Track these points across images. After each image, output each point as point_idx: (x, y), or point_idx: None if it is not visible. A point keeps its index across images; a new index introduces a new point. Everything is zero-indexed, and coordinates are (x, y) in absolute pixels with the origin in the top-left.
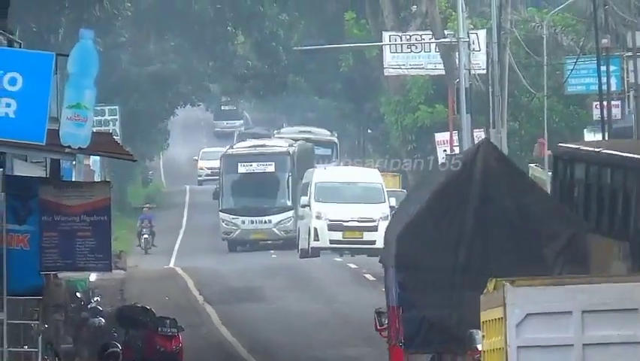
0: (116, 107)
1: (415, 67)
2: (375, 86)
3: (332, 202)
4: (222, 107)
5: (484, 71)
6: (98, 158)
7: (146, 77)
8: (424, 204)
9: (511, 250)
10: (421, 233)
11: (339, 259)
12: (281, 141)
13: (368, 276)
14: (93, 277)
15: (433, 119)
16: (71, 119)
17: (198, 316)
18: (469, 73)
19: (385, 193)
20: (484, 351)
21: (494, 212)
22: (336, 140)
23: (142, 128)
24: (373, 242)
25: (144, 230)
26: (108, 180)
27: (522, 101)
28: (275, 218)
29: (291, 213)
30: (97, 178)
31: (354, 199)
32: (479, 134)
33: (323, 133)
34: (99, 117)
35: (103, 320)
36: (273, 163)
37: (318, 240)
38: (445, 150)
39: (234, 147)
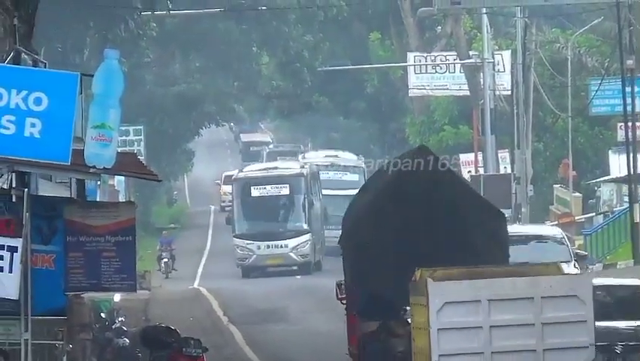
0: (141, 127)
1: (439, 87)
2: (399, 107)
3: None
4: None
5: (509, 92)
6: (122, 178)
7: (170, 97)
8: (374, 196)
9: (446, 238)
10: (372, 220)
11: None
12: (293, 163)
13: None
14: (117, 297)
15: (457, 140)
16: (96, 140)
17: (222, 336)
18: (494, 94)
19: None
20: (413, 328)
21: (432, 205)
22: (363, 164)
23: (166, 149)
24: None
25: (164, 254)
26: (133, 200)
27: (547, 122)
28: (291, 242)
29: (307, 236)
30: (122, 198)
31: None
32: (504, 155)
33: (350, 158)
34: (124, 137)
35: (127, 341)
36: (288, 185)
37: None
38: (469, 171)
39: (245, 170)
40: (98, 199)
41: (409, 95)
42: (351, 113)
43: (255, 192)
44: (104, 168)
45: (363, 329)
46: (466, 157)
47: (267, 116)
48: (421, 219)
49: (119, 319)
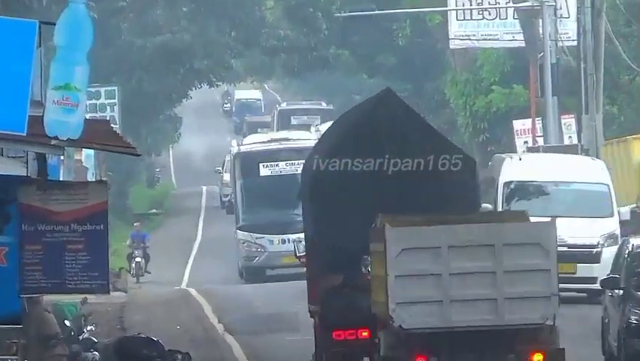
0: (115, 88)
1: (487, 38)
2: (438, 63)
3: (531, 215)
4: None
5: (575, 43)
6: (92, 152)
7: (152, 51)
8: (336, 145)
9: (412, 187)
10: (335, 170)
11: None
12: (307, 133)
13: None
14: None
15: (510, 102)
16: (59, 104)
17: (217, 349)
18: (556, 45)
19: (614, 200)
20: (372, 276)
21: (397, 154)
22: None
23: (147, 115)
24: (593, 280)
25: (136, 252)
26: (105, 179)
27: (622, 80)
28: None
29: None
30: (91, 178)
31: (565, 210)
32: (568, 122)
33: (307, 140)
34: (94, 101)
35: (98, 355)
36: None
37: None
38: (525, 142)
39: (247, 141)
40: (61, 178)
41: (450, 47)
42: (378, 71)
43: (264, 170)
44: (69, 139)
45: (325, 283)
46: (520, 124)
47: (272, 75)
48: (386, 168)
49: (88, 328)
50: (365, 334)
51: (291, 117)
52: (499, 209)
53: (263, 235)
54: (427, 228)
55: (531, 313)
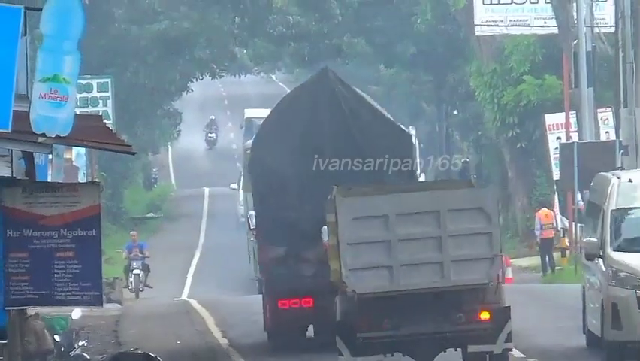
0: (109, 80)
1: (517, 24)
2: (462, 51)
3: None
4: None
5: (612, 29)
6: (83, 151)
7: (148, 39)
8: (279, 122)
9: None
10: (273, 142)
11: None
12: None
13: None
14: (77, 313)
15: (541, 94)
16: (46, 97)
17: None
18: (592, 31)
19: None
20: (328, 244)
21: (338, 127)
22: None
23: (144, 110)
24: None
25: (134, 263)
26: (97, 180)
27: None
28: None
29: None
30: (82, 179)
31: None
32: (605, 116)
33: None
34: (85, 94)
35: None
36: None
37: (620, 326)
38: (558, 138)
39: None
40: (49, 179)
41: (475, 34)
42: (396, 61)
43: None
44: (58, 136)
45: (271, 254)
46: (553, 118)
47: (280, 65)
48: (324, 144)
49: (80, 343)
50: (309, 303)
51: None
52: (608, 243)
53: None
54: (376, 197)
55: (476, 274)
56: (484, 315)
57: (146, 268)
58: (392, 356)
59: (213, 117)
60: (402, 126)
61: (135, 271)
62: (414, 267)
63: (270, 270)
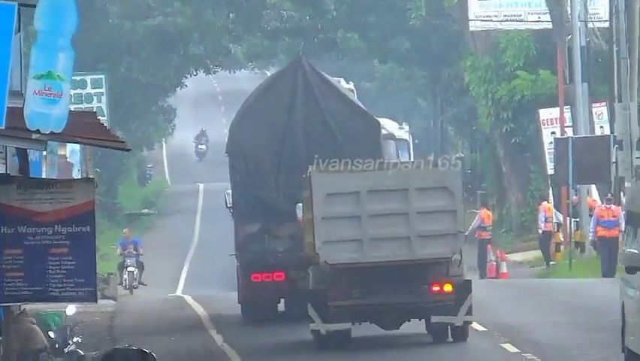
0: (102, 76)
1: (511, 19)
2: (456, 46)
3: None
4: None
5: (606, 24)
6: (77, 147)
7: (142, 35)
8: (255, 107)
9: (322, 144)
10: (250, 125)
11: None
12: (388, 121)
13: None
14: (72, 309)
15: (536, 89)
16: (40, 94)
17: None
18: (586, 26)
19: None
20: (303, 219)
21: (312, 112)
22: (406, 136)
23: (138, 106)
24: None
25: (129, 260)
26: (92, 177)
27: None
28: None
29: None
30: (77, 175)
31: None
32: (600, 111)
33: (389, 127)
34: (79, 91)
35: None
36: None
37: None
38: (553, 133)
39: None
40: (43, 176)
41: (470, 29)
42: (390, 56)
43: None
44: (52, 132)
45: (244, 231)
46: (548, 113)
47: (274, 60)
48: (299, 127)
49: (74, 339)
50: (281, 277)
51: None
52: None
53: None
54: (348, 174)
55: (440, 249)
56: (447, 288)
57: (140, 266)
58: (360, 324)
59: (204, 129)
60: (368, 112)
61: (129, 269)
62: (382, 241)
63: (245, 245)
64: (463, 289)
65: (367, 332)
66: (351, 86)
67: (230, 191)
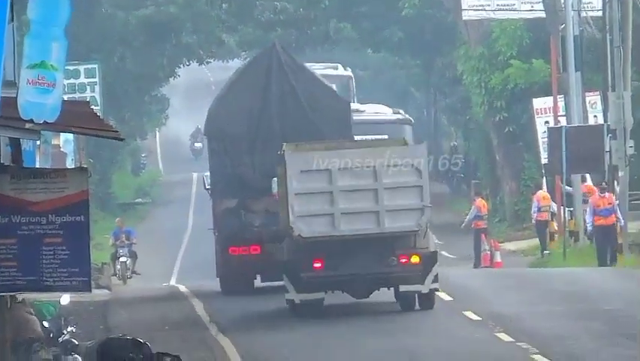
0: (96, 66)
1: (504, 8)
2: (449, 36)
3: None
4: None
5: (600, 13)
6: (71, 137)
7: (135, 25)
8: (231, 89)
9: (295, 123)
10: (227, 107)
11: None
12: (382, 107)
13: (443, 295)
14: (66, 299)
15: (529, 78)
16: (34, 84)
17: (210, 351)
18: (579, 15)
19: None
20: (278, 194)
21: (286, 93)
22: (405, 118)
23: (131, 96)
24: None
25: (121, 250)
26: (85, 166)
27: None
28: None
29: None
30: (70, 164)
31: None
32: (593, 100)
33: (385, 114)
34: (72, 80)
35: (79, 359)
36: (387, 137)
37: None
38: (546, 122)
39: None
40: (37, 165)
41: (463, 18)
42: (383, 46)
43: None
44: (45, 122)
45: (222, 206)
46: (541, 102)
47: None
48: (273, 108)
49: (68, 329)
50: (256, 250)
51: None
52: None
53: None
54: (321, 152)
55: (407, 222)
56: (415, 259)
57: (133, 255)
58: (332, 292)
59: (199, 126)
60: (339, 95)
61: (122, 259)
62: (353, 215)
63: (223, 220)
64: (430, 259)
65: (339, 300)
66: (349, 72)
67: (208, 173)
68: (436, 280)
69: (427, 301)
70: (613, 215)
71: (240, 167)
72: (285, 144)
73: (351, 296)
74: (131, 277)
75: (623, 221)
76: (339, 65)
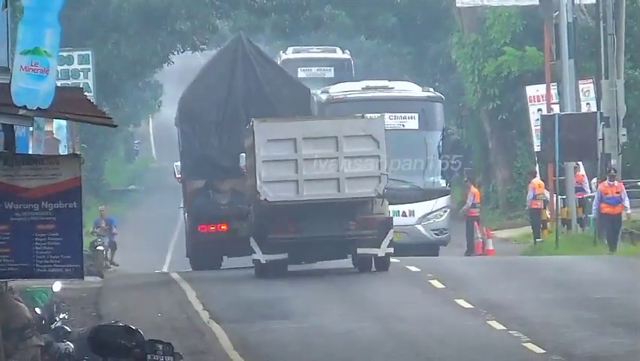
0: (89, 52)
1: None
2: (443, 23)
3: None
4: None
5: (593, 0)
6: (64, 123)
7: (129, 11)
8: (201, 75)
9: (259, 110)
10: (198, 94)
11: (394, 260)
12: (411, 84)
13: (435, 283)
14: (58, 286)
15: (522, 66)
16: (27, 70)
17: (202, 339)
18: (572, 3)
19: None
20: (246, 166)
21: (251, 81)
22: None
23: (125, 82)
24: None
25: (99, 240)
26: (78, 153)
27: None
28: (419, 208)
29: (445, 200)
30: (63, 151)
31: None
32: (586, 88)
33: (414, 91)
34: (66, 67)
35: (71, 345)
36: (417, 115)
37: None
38: (539, 110)
39: (335, 89)
40: (30, 152)
41: (456, 4)
42: (377, 32)
43: None
44: (39, 108)
45: (191, 187)
46: (534, 90)
47: (261, 36)
48: (239, 94)
49: (61, 316)
50: (224, 227)
51: (298, 69)
52: None
53: None
54: (286, 123)
55: (365, 189)
56: (372, 223)
57: (113, 246)
58: (296, 254)
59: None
60: (302, 83)
61: (99, 248)
62: (315, 182)
63: (192, 200)
64: (385, 225)
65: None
66: (347, 54)
67: (178, 163)
68: (391, 244)
69: (383, 263)
70: (620, 204)
71: (208, 149)
72: (253, 119)
73: (313, 259)
74: (109, 267)
75: (630, 210)
76: (337, 49)
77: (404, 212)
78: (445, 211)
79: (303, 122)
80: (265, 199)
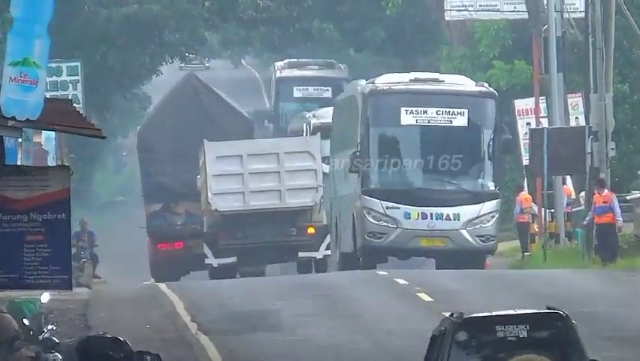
0: (78, 63)
1: (486, 8)
2: (432, 36)
3: None
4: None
5: (582, 15)
6: (52, 134)
7: (118, 23)
8: (158, 108)
9: (208, 135)
10: (153, 127)
11: (382, 273)
12: (463, 78)
13: (422, 296)
14: (46, 297)
15: (511, 79)
16: (16, 81)
17: (190, 350)
18: (562, 17)
19: None
20: (201, 182)
21: (201, 115)
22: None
23: (113, 94)
24: None
25: (82, 253)
26: (67, 164)
27: (634, 56)
28: (465, 212)
29: (494, 204)
30: (52, 162)
31: None
32: (575, 101)
33: (466, 85)
34: (55, 78)
35: (59, 356)
36: (466, 111)
37: None
38: (528, 123)
39: (381, 80)
40: (19, 163)
41: (445, 18)
42: (366, 46)
43: (408, 117)
44: (28, 119)
45: (150, 209)
46: (523, 104)
47: (250, 49)
48: (191, 127)
49: (49, 327)
50: (180, 245)
51: (294, 88)
52: None
53: (398, 205)
54: (233, 142)
55: (304, 199)
56: (311, 230)
57: (94, 258)
58: (244, 258)
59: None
60: (245, 114)
61: (82, 260)
62: (260, 193)
63: (151, 221)
64: (323, 231)
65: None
66: (344, 72)
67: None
68: (328, 247)
69: (322, 265)
70: (609, 213)
71: (163, 175)
72: (204, 140)
73: (259, 262)
74: (90, 280)
75: (621, 220)
76: (334, 63)
77: (448, 215)
78: (493, 216)
79: (249, 140)
80: (216, 209)
